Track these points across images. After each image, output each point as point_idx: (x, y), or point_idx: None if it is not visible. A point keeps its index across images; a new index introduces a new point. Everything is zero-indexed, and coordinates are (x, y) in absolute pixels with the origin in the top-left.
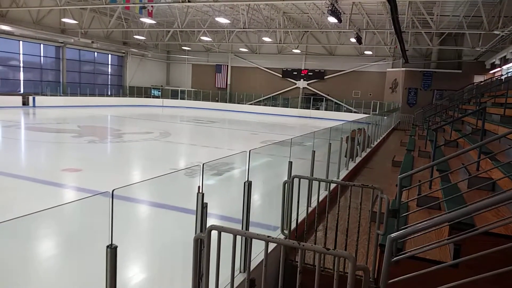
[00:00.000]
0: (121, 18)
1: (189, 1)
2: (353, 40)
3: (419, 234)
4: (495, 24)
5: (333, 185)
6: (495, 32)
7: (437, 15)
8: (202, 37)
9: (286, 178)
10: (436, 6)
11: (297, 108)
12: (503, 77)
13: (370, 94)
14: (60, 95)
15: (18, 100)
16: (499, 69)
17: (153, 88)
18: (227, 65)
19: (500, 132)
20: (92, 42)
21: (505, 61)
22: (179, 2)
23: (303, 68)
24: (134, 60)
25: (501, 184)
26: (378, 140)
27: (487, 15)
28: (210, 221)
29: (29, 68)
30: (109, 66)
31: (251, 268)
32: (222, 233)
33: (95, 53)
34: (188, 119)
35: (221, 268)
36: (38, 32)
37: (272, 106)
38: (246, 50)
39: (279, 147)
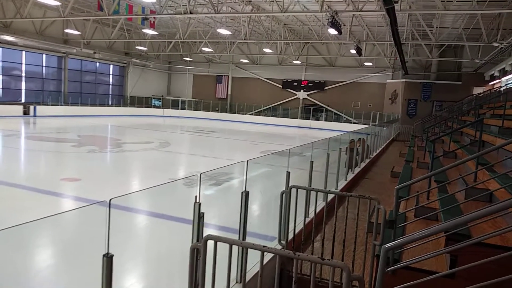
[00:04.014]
0: (124, 29)
1: (191, 13)
2: (353, 51)
3: (414, 244)
4: (494, 36)
5: (330, 196)
6: (494, 44)
7: (437, 27)
8: (203, 48)
9: (284, 188)
10: (435, 18)
11: (297, 118)
12: (502, 89)
13: (370, 105)
14: (61, 105)
15: (19, 109)
16: (498, 80)
17: (154, 98)
18: (228, 76)
19: (498, 143)
20: (94, 52)
21: (504, 73)
22: (181, 14)
23: (303, 79)
24: (136, 71)
25: (498, 195)
26: (378, 151)
27: (486, 27)
28: (208, 231)
29: (31, 78)
30: (111, 76)
31: (247, 279)
32: (218, 243)
33: (97, 63)
34: (188, 129)
35: (217, 278)
36: (41, 43)
37: (272, 116)
38: (247, 61)
39: (277, 157)
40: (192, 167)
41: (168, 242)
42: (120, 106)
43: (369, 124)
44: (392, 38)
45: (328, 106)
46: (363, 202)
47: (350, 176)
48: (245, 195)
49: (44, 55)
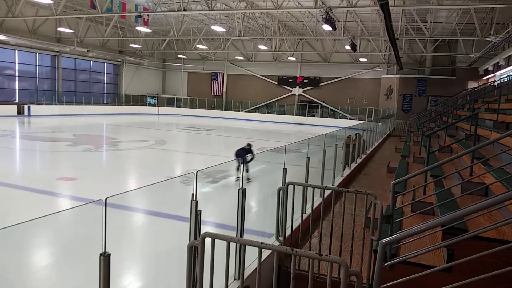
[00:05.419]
0: (117, 27)
1: (184, 10)
2: (348, 47)
3: (411, 239)
4: (488, 31)
5: (327, 192)
6: (488, 38)
7: (431, 22)
8: (198, 45)
9: (281, 185)
10: (429, 13)
11: (293, 115)
12: (496, 83)
13: (365, 101)
14: (56, 104)
15: (13, 109)
16: (492, 75)
17: (149, 96)
18: (223, 73)
19: (493, 137)
20: (88, 50)
21: (498, 67)
22: (175, 11)
23: (298, 75)
24: (130, 69)
25: (494, 189)
26: (373, 147)
27: (479, 22)
28: (206, 229)
29: (25, 77)
30: (105, 74)
31: (245, 275)
32: (216, 240)
33: (91, 61)
34: (184, 126)
35: (215, 275)
36: (33, 41)
37: (268, 113)
38: (242, 58)
39: (274, 154)
40: (189, 165)
41: (165, 240)
42: (115, 105)
43: (364, 120)
44: (386, 34)
45: (323, 102)
46: (360, 197)
47: (347, 172)
48: (242, 192)
49: (37, 54)
